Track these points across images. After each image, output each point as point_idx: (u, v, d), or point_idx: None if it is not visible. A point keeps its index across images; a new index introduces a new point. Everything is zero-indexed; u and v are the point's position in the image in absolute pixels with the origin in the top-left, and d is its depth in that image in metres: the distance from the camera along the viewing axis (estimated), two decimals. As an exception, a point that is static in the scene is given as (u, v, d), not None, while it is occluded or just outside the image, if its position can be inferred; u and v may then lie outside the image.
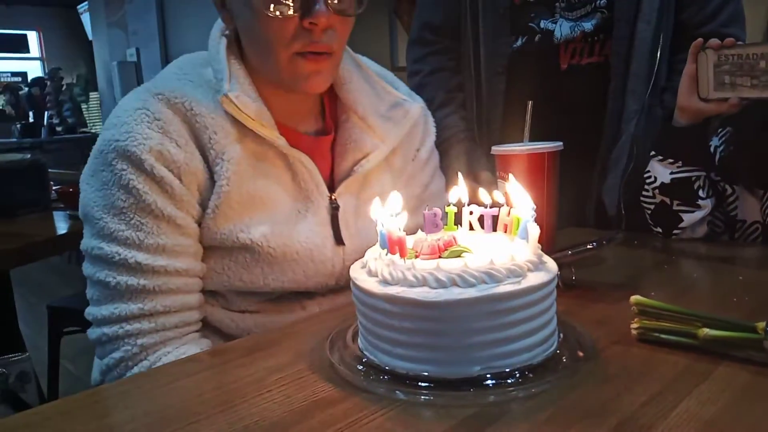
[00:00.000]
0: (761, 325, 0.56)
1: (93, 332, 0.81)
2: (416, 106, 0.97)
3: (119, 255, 0.77)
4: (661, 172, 1.03)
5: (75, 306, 2.22)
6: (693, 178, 1.01)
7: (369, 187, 0.92)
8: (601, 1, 1.23)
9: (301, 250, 0.84)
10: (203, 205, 0.81)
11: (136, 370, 0.78)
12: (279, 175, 0.85)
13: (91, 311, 0.81)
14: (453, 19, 1.38)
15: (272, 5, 0.75)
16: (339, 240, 0.88)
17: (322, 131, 0.92)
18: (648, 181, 1.06)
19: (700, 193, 1.02)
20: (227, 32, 0.86)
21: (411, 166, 0.98)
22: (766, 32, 1.02)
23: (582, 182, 1.28)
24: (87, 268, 0.81)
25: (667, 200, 1.03)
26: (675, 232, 1.04)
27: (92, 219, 0.79)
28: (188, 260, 0.81)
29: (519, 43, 1.29)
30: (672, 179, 1.02)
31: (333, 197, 0.89)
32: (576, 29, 1.25)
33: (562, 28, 1.25)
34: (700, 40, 0.94)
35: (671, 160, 1.02)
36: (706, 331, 0.58)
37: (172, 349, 0.79)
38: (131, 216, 0.77)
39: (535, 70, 1.28)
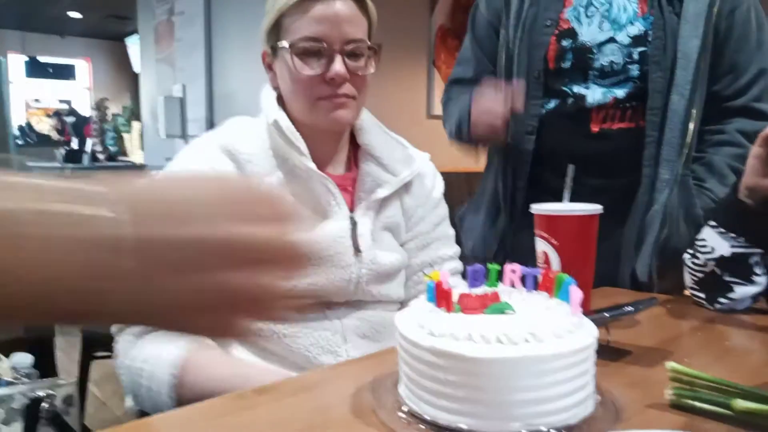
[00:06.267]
0: (797, 400, 0.57)
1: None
2: (425, 156, 1.16)
3: None
4: (720, 244, 1.03)
5: (107, 331, 2.26)
6: (750, 254, 1.02)
7: (383, 215, 1.08)
8: (634, 72, 1.27)
9: (324, 255, 0.98)
10: None
11: (127, 362, 0.91)
12: (305, 195, 1.01)
13: None
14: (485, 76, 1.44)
15: (304, 66, 0.97)
16: (357, 249, 1.01)
17: (348, 172, 1.10)
18: (702, 249, 1.05)
19: (756, 269, 1.02)
20: (274, 91, 1.07)
21: (422, 209, 1.13)
22: None
23: (612, 244, 1.30)
24: None
25: (719, 271, 1.03)
26: (721, 301, 1.04)
27: None
28: None
29: (551, 105, 1.33)
30: (732, 254, 1.02)
31: (352, 216, 1.03)
32: (608, 95, 1.28)
33: (594, 93, 1.29)
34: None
35: (733, 235, 1.02)
36: (741, 403, 0.60)
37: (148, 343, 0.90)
38: None
39: (566, 132, 1.31)
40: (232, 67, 3.95)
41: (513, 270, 0.70)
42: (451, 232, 1.19)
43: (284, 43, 0.98)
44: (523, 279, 0.70)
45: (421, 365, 0.59)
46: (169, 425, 0.65)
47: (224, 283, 0.36)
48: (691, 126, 1.25)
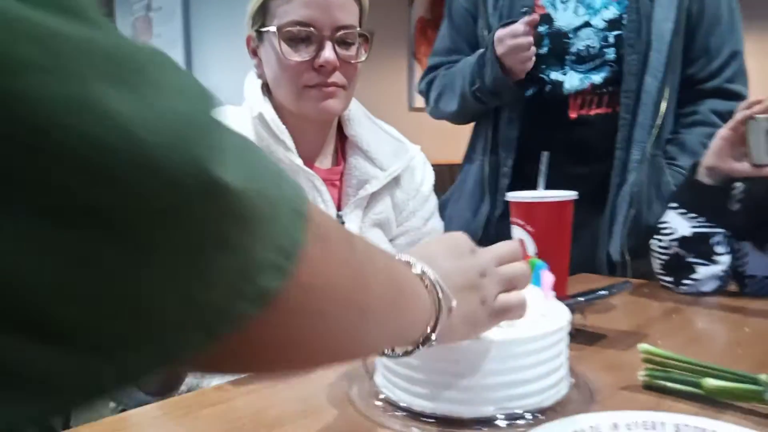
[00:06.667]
0: (763, 377, 0.58)
1: None
2: (415, 147, 1.12)
3: None
4: (681, 224, 1.06)
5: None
6: (711, 234, 1.04)
7: (372, 211, 1.04)
8: (610, 56, 1.28)
9: None
10: None
11: None
12: None
13: None
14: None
15: (292, 52, 0.93)
16: None
17: (335, 165, 1.06)
18: (665, 231, 1.08)
19: (718, 248, 1.04)
20: (259, 78, 1.02)
21: (413, 202, 1.10)
22: None
23: (592, 230, 1.32)
24: None
25: (682, 252, 1.06)
26: (686, 282, 1.06)
27: None
28: None
29: (530, 92, 1.34)
30: (693, 233, 1.04)
31: (339, 215, 1.00)
32: (585, 81, 1.29)
33: (571, 80, 1.30)
34: (747, 112, 0.97)
35: (693, 215, 1.05)
36: (710, 382, 0.61)
37: None
38: None
39: (545, 119, 1.33)
40: (212, 62, 3.92)
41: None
42: (440, 225, 1.16)
43: (271, 28, 0.93)
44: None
45: (396, 352, 0.60)
46: (147, 419, 0.65)
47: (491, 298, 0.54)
48: (663, 106, 1.26)
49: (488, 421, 0.57)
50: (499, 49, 1.27)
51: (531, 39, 1.25)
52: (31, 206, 0.20)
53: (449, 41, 1.48)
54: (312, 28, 0.92)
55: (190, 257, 0.24)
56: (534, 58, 1.27)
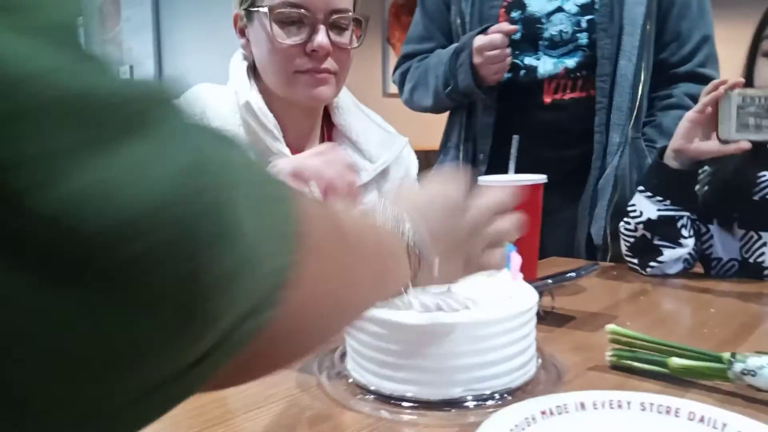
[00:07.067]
0: (726, 355, 0.59)
1: None
2: (403, 139, 1.10)
3: None
4: (647, 207, 1.07)
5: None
6: (677, 217, 1.06)
7: (358, 204, 0.99)
8: (583, 41, 1.29)
9: None
10: None
11: None
12: None
13: None
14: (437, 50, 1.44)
15: (284, 34, 0.89)
16: None
17: None
18: (632, 214, 1.09)
19: (683, 231, 1.06)
20: (246, 60, 0.99)
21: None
22: (744, 73, 1.07)
23: (570, 213, 1.33)
24: None
25: (648, 235, 1.07)
26: (651, 264, 1.08)
27: None
28: None
29: (504, 78, 1.34)
30: (659, 216, 1.06)
31: None
32: (559, 66, 1.30)
33: (545, 65, 1.30)
34: (714, 94, 0.96)
35: (660, 198, 1.06)
36: (675, 361, 0.62)
37: None
38: None
39: (520, 104, 1.33)
40: (183, 46, 3.85)
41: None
42: None
43: (262, 8, 0.89)
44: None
45: (365, 336, 0.59)
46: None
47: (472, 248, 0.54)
48: (641, 89, 1.28)
49: (457, 403, 0.57)
50: (476, 59, 1.27)
51: (508, 51, 1.25)
52: (30, 263, 0.19)
53: (423, 29, 1.47)
54: (305, 11, 0.88)
55: (198, 303, 0.23)
56: (506, 69, 1.28)
